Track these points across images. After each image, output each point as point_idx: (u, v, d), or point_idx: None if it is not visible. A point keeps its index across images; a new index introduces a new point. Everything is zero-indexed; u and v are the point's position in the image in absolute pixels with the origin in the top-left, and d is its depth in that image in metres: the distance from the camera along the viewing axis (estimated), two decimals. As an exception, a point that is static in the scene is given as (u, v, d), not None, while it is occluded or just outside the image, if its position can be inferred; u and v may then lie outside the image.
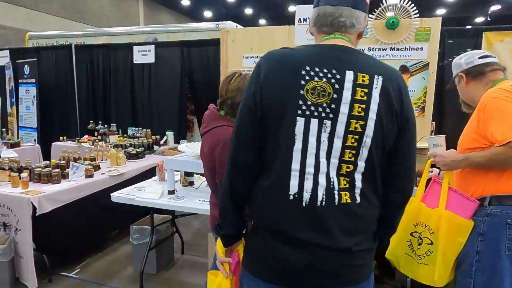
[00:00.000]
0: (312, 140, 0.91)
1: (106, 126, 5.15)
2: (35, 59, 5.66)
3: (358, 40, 1.03)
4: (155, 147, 4.40)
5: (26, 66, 5.72)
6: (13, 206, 2.42)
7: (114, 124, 5.06)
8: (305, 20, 3.81)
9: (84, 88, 5.83)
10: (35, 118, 5.67)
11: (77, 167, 3.02)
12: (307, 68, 0.92)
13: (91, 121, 5.33)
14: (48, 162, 3.02)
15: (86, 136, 4.98)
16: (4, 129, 5.19)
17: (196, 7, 21.79)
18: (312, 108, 0.91)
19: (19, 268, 2.47)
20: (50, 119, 5.90)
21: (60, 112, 5.98)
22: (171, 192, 2.42)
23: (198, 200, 2.29)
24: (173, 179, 2.44)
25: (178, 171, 2.63)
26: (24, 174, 2.54)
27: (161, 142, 4.69)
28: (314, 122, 0.91)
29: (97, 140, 4.80)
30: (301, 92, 0.91)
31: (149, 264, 2.65)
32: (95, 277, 2.68)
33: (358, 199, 0.94)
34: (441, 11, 16.32)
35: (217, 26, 5.62)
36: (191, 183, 2.67)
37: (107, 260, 2.96)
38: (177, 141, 5.13)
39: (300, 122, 0.91)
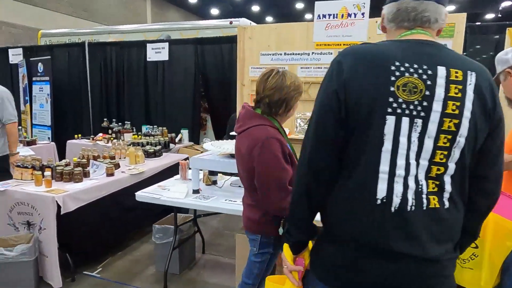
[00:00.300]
0: (403, 140, 0.85)
1: (120, 124, 5.13)
2: (49, 57, 5.66)
3: (437, 36, 0.97)
4: (171, 145, 4.37)
5: (40, 64, 5.72)
6: (37, 205, 2.40)
7: (129, 122, 5.04)
8: (324, 16, 3.75)
9: (97, 86, 5.83)
10: (49, 116, 5.67)
11: (97, 166, 3.00)
12: (397, 63, 0.86)
13: (105, 119, 5.32)
14: (68, 160, 3.00)
15: (100, 134, 4.96)
16: (19, 127, 5.19)
17: (204, 4, 21.75)
18: (404, 105, 0.85)
19: (43, 267, 2.45)
20: (63, 117, 5.90)
21: (73, 110, 5.98)
22: (196, 191, 2.39)
23: (225, 200, 2.25)
24: (198, 178, 2.41)
25: (201, 170, 2.60)
26: (48, 173, 2.52)
27: (176, 140, 4.66)
28: (405, 121, 0.85)
29: (111, 138, 4.79)
30: (392, 88, 0.86)
31: (172, 264, 2.62)
32: (118, 277, 2.66)
33: (447, 203, 0.89)
34: (450, 8, 16.10)
35: (231, 23, 5.57)
36: (214, 182, 2.63)
37: (128, 259, 2.94)
38: (191, 139, 5.11)
39: (390, 121, 0.85)
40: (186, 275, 2.72)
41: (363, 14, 3.63)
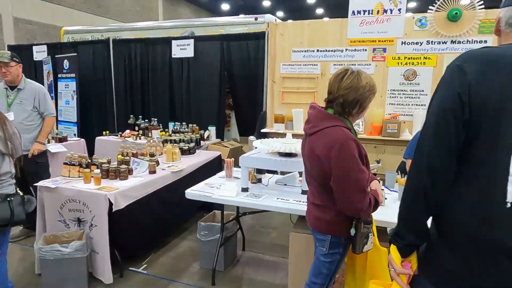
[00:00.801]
0: None
1: (146, 120, 5.16)
2: (75, 53, 5.71)
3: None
4: (202, 142, 4.39)
5: (65, 60, 5.76)
6: (88, 202, 2.43)
7: (155, 119, 5.06)
8: (359, 12, 3.71)
9: (121, 83, 5.86)
10: (75, 113, 5.73)
11: (138, 163, 3.03)
12: None
13: (131, 116, 5.34)
14: (109, 157, 3.03)
15: (128, 131, 4.99)
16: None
17: (214, 0, 21.69)
18: None
19: (93, 263, 2.49)
20: (87, 113, 5.96)
21: (98, 107, 6.03)
22: (245, 189, 2.40)
23: (276, 199, 2.26)
24: (247, 177, 2.41)
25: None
26: (97, 171, 2.55)
27: (204, 137, 4.67)
28: None
29: (139, 135, 4.83)
30: None
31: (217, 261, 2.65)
32: (164, 273, 2.69)
33: None
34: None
35: (256, 19, 5.54)
36: (260, 180, 2.64)
37: (170, 256, 2.97)
38: (216, 136, 5.11)
39: None
40: (230, 272, 2.74)
41: (399, 10, 3.58)
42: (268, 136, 4.30)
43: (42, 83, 6.47)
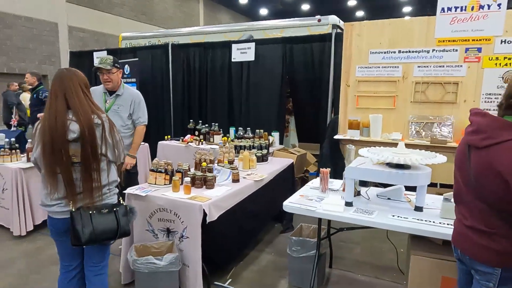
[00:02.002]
0: None
1: (206, 125, 5.07)
2: (136, 58, 5.76)
3: None
4: (270, 149, 4.21)
5: (126, 66, 5.83)
6: (181, 212, 2.30)
7: (216, 124, 4.96)
8: (449, 9, 3.39)
9: (179, 87, 5.84)
10: (135, 117, 5.76)
11: (219, 170, 2.89)
12: None
13: (191, 121, 5.28)
14: (188, 164, 2.91)
15: (188, 136, 4.93)
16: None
17: (253, 5, 21.76)
18: None
19: (183, 277, 2.36)
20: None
21: (155, 111, 6.03)
22: (349, 204, 2.17)
23: (392, 216, 2.01)
24: (353, 190, 2.18)
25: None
26: (187, 179, 2.42)
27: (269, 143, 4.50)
28: None
29: (201, 140, 4.74)
30: None
31: (306, 279, 2.43)
32: (251, 290, 2.52)
33: None
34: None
35: (319, 21, 5.32)
36: (358, 193, 2.40)
37: (253, 270, 2.79)
38: (281, 142, 4.93)
39: None
40: (323, 292, 2.51)
41: (499, 5, 3.22)
42: (341, 143, 4.06)
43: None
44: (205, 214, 2.23)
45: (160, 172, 2.58)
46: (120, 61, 5.93)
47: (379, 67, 3.76)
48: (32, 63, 12.15)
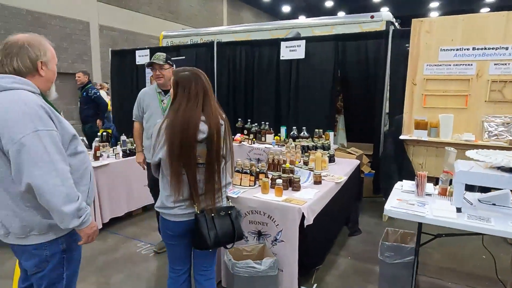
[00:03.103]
0: None
1: (256, 124, 5.00)
2: (183, 57, 5.74)
3: None
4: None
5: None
6: (276, 215, 2.24)
7: (267, 123, 4.88)
8: (532, 3, 3.21)
9: (224, 86, 5.79)
10: (180, 116, 5.75)
11: (296, 171, 2.81)
12: None
13: (239, 119, 5.23)
14: (265, 164, 2.85)
15: (239, 135, 4.87)
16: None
17: (276, 2, 21.62)
18: None
19: (276, 281, 2.29)
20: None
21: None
22: (459, 209, 2.05)
23: (511, 223, 1.89)
24: (462, 195, 2.07)
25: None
26: (280, 180, 2.35)
27: (324, 143, 4.39)
28: None
29: (253, 139, 4.68)
30: None
31: (399, 286, 2.33)
32: (339, 296, 2.43)
33: None
34: None
35: (372, 17, 5.17)
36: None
37: (334, 274, 2.71)
38: (334, 142, 4.82)
39: None
40: (418, 300, 2.41)
41: None
42: (406, 144, 3.92)
43: (144, 87, 6.67)
44: (302, 217, 2.16)
45: (246, 173, 2.52)
46: (165, 59, 6.02)
47: (450, 65, 3.61)
48: (65, 62, 12.36)
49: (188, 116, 1.64)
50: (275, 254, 2.27)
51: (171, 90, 1.79)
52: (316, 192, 2.46)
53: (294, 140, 4.24)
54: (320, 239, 2.59)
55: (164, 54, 2.91)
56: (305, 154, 3.55)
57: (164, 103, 2.91)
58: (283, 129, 4.83)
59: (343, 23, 5.43)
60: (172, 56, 5.93)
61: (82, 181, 1.46)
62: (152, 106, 2.86)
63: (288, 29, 5.86)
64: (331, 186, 2.68)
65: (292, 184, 2.51)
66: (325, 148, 3.79)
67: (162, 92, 2.93)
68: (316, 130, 4.28)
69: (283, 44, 5.22)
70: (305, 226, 2.18)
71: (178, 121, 1.63)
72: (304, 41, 5.08)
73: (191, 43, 6.62)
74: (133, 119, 3.02)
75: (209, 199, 1.72)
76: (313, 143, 3.83)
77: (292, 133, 4.56)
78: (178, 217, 1.74)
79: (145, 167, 3.03)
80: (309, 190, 2.50)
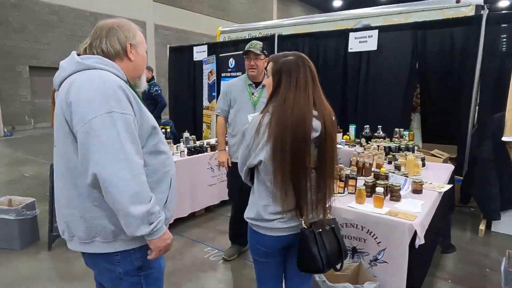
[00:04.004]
0: None
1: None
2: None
3: None
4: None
5: (231, 59, 5.63)
6: (378, 231, 1.87)
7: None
8: None
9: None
10: (239, 113, 5.54)
11: (393, 177, 2.40)
12: None
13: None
14: (350, 168, 2.48)
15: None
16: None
17: (327, -3, 20.95)
18: None
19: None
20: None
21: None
22: None
23: None
24: None
25: None
26: (380, 189, 1.99)
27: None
28: None
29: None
30: None
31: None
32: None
33: None
34: None
35: (457, 1, 4.55)
36: None
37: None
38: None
39: None
40: None
41: None
42: (508, 146, 3.34)
43: (201, 83, 6.57)
44: (411, 235, 1.78)
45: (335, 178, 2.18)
46: (222, 55, 5.85)
47: None
48: (123, 61, 12.82)
49: (299, 109, 1.34)
50: (375, 276, 1.91)
51: (268, 80, 1.50)
52: (422, 204, 2.05)
53: (369, 140, 3.82)
54: (422, 259, 2.17)
55: (261, 43, 2.59)
56: (388, 156, 3.13)
57: (254, 97, 2.63)
58: (352, 128, 4.41)
59: (422, 10, 4.85)
60: (230, 51, 5.84)
61: (159, 187, 1.23)
62: (240, 100, 2.60)
63: (356, 19, 5.39)
64: (435, 197, 2.24)
65: (392, 192, 2.12)
66: (409, 150, 3.34)
67: (253, 85, 2.64)
68: (396, 129, 3.80)
69: (352, 35, 4.77)
70: (416, 246, 1.79)
71: (286, 116, 1.34)
72: (376, 31, 4.60)
73: (249, 37, 6.39)
74: (217, 113, 2.77)
75: (320, 211, 1.42)
76: (395, 144, 3.39)
77: (364, 132, 4.12)
78: (277, 231, 1.45)
79: (228, 167, 2.76)
80: (411, 201, 2.10)
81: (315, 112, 1.38)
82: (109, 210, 1.13)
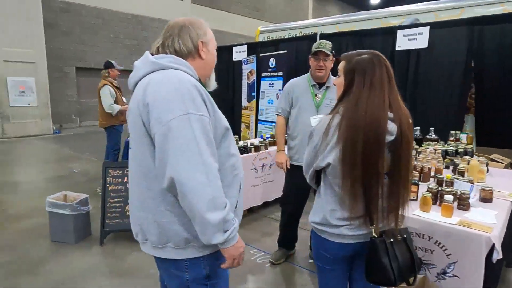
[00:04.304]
0: None
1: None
2: (285, 51, 5.45)
3: None
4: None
5: (272, 59, 5.58)
6: (448, 242, 1.73)
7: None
8: None
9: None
10: (279, 113, 5.48)
11: (458, 184, 2.24)
12: None
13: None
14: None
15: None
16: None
17: (364, -6, 20.39)
18: None
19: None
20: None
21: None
22: None
23: None
24: None
25: None
26: (449, 197, 1.84)
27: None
28: None
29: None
30: None
31: None
32: None
33: None
34: None
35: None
36: None
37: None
38: (464, 146, 4.03)
39: None
40: None
41: None
42: None
43: (240, 83, 6.58)
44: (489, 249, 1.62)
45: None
46: (262, 55, 5.80)
47: None
48: (162, 62, 13.17)
49: (373, 111, 1.26)
50: (451, 290, 1.77)
51: (339, 80, 1.43)
52: (496, 214, 1.88)
53: (419, 143, 3.61)
54: (496, 274, 2.00)
55: (330, 43, 2.50)
56: (446, 161, 2.94)
57: (318, 98, 2.54)
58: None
59: (478, 4, 4.54)
60: (270, 51, 5.78)
61: (229, 192, 1.18)
62: (302, 100, 2.52)
63: (403, 15, 5.15)
64: (507, 207, 2.05)
65: (460, 201, 1.96)
66: (468, 154, 3.12)
67: (317, 85, 2.55)
68: (452, 131, 3.57)
69: (400, 32, 4.56)
70: (494, 261, 1.64)
71: (358, 117, 1.26)
72: (427, 27, 4.36)
73: (289, 36, 6.31)
74: (277, 112, 2.70)
75: (392, 219, 1.32)
76: (452, 148, 3.18)
77: (414, 134, 3.91)
78: (344, 238, 1.37)
79: (287, 169, 2.64)
80: (482, 211, 1.93)
81: (390, 114, 1.29)
82: (182, 216, 1.10)
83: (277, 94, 5.52)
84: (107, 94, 4.64)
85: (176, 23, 1.23)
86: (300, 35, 6.14)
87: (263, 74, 5.79)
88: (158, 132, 1.04)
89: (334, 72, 2.52)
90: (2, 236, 3.24)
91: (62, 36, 10.90)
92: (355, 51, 1.43)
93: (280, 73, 5.44)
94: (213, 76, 1.34)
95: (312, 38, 5.46)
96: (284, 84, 5.43)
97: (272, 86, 5.62)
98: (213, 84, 1.34)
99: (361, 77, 1.31)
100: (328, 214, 1.37)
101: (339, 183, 1.32)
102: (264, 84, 5.79)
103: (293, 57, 5.63)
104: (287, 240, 2.77)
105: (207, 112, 1.10)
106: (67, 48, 11.05)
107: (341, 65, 1.43)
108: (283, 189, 2.77)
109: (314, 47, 2.45)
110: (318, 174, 1.44)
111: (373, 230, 1.31)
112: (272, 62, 5.58)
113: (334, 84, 2.50)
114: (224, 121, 1.20)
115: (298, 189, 2.58)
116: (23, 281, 2.50)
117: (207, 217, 1.02)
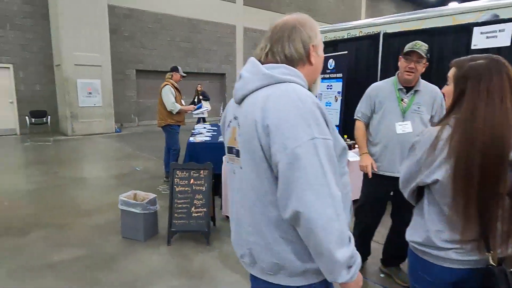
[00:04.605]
0: None
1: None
2: (345, 51, 5.28)
3: None
4: None
5: (331, 60, 5.43)
6: None
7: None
8: None
9: (389, 83, 5.07)
10: (337, 115, 5.31)
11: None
12: None
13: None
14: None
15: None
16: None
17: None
18: None
19: None
20: (347, 115, 5.48)
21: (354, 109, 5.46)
22: None
23: None
24: None
25: None
26: None
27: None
28: None
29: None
30: None
31: None
32: None
33: None
34: None
35: None
36: None
37: None
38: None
39: None
40: None
41: None
42: None
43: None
44: None
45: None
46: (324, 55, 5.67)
47: None
48: (214, 63, 13.49)
49: (493, 124, 1.11)
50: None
51: (448, 88, 1.31)
52: None
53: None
54: None
55: (427, 45, 2.29)
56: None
57: (404, 103, 2.36)
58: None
59: None
60: (329, 52, 5.62)
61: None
62: (386, 105, 2.37)
63: (480, 11, 4.71)
64: None
65: None
66: None
67: (404, 89, 2.37)
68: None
69: (476, 30, 4.21)
70: None
71: (475, 131, 1.12)
72: (510, 23, 3.96)
73: (348, 36, 6.09)
74: (356, 117, 2.57)
75: (511, 245, 1.17)
76: None
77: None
78: (451, 262, 1.24)
79: (370, 173, 2.45)
80: None
81: None
82: (296, 244, 1.02)
83: (335, 96, 5.36)
84: (168, 93, 4.96)
85: (285, 24, 1.10)
86: (361, 34, 5.90)
87: (321, 76, 5.64)
88: (282, 160, 0.94)
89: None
90: (77, 231, 3.48)
91: (124, 40, 11.60)
92: (468, 56, 1.29)
93: (340, 75, 5.28)
94: (318, 80, 1.22)
95: (374, 37, 5.24)
96: (343, 86, 5.26)
97: (331, 88, 5.47)
98: (317, 89, 1.23)
99: (475, 85, 1.17)
100: (433, 235, 1.25)
101: (448, 203, 1.19)
102: (322, 86, 5.66)
103: (353, 58, 5.43)
104: (359, 253, 2.64)
105: (329, 133, 0.99)
106: (128, 51, 11.73)
107: (451, 72, 1.30)
108: (359, 198, 2.64)
109: (408, 47, 2.27)
110: (419, 190, 1.32)
111: (490, 257, 1.16)
112: (331, 63, 5.43)
113: (417, 90, 2.32)
114: (342, 141, 1.08)
115: (375, 200, 2.45)
116: (102, 276, 2.65)
117: (337, 255, 0.93)
